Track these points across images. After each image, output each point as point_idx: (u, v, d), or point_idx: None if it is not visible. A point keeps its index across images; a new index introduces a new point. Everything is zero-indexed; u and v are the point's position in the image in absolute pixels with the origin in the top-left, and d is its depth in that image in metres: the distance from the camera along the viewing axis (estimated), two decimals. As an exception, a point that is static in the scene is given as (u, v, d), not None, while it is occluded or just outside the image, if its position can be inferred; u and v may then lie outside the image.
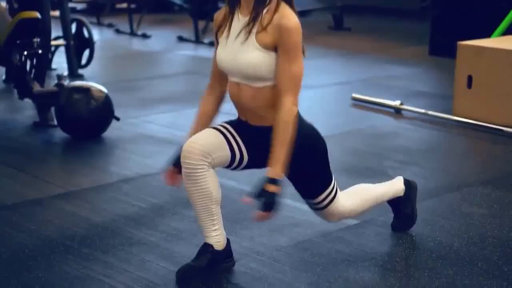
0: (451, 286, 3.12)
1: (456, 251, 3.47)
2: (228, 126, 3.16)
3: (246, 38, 2.98)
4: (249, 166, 3.19)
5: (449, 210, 3.99)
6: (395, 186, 3.60)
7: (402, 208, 3.63)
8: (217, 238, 3.16)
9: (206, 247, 3.16)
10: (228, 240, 3.23)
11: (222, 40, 3.09)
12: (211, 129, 3.12)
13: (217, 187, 3.09)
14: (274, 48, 2.96)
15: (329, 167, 3.25)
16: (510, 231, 3.69)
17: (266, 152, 3.00)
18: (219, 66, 3.12)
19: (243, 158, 3.12)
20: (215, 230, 3.15)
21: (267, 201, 2.93)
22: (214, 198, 3.08)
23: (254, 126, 3.13)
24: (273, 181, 2.93)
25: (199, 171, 3.01)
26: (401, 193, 3.61)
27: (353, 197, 3.42)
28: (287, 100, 2.96)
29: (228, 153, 3.07)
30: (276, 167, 2.94)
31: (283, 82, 2.96)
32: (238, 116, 3.22)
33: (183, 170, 3.05)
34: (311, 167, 3.19)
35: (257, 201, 2.94)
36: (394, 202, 3.62)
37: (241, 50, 2.99)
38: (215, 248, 3.15)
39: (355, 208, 3.41)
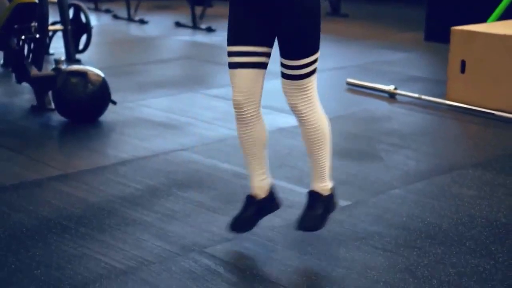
0: (439, 265, 3.20)
1: (445, 231, 3.54)
2: (239, 48, 3.15)
3: None
4: (272, 44, 3.22)
5: (440, 191, 4.06)
6: (327, 172, 3.41)
7: (317, 205, 3.39)
8: (263, 183, 3.37)
9: (252, 198, 3.38)
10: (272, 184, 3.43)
11: None
12: (240, 70, 3.17)
13: (266, 131, 3.30)
14: None
15: (319, 33, 3.17)
16: (499, 212, 3.77)
17: (268, 16, 3.10)
18: None
19: (269, 53, 3.20)
20: (261, 173, 3.36)
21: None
22: (264, 142, 3.30)
23: None
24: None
25: (250, 117, 3.21)
26: (327, 192, 3.39)
27: (324, 115, 3.35)
28: None
29: (263, 72, 3.20)
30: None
31: None
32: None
33: (236, 117, 3.25)
34: (304, 23, 3.10)
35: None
36: (313, 195, 3.41)
37: None
38: (258, 198, 3.37)
39: (319, 119, 3.27)
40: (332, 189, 3.43)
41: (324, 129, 3.30)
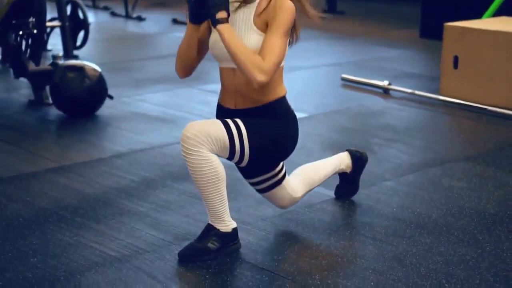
0: (427, 253, 3.26)
1: (434, 221, 3.61)
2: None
3: (245, 24, 3.09)
4: None
5: (430, 183, 4.12)
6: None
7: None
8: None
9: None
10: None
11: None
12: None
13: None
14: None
15: (279, 153, 3.26)
16: (488, 203, 3.83)
17: None
18: (212, 53, 3.19)
19: None
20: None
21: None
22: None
23: (240, 109, 3.20)
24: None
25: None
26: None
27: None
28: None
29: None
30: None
31: (262, 49, 3.02)
32: (219, 105, 3.29)
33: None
34: (270, 132, 3.17)
35: None
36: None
37: (239, 36, 3.07)
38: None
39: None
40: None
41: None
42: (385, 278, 3.03)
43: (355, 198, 3.87)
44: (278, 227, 3.53)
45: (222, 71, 3.22)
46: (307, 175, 3.59)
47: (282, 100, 3.22)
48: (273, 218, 3.62)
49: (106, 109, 5.49)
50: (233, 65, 3.11)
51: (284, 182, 3.45)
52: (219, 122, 3.10)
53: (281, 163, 3.41)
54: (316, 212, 3.69)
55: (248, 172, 3.39)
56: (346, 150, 3.83)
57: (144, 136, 4.93)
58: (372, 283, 3.00)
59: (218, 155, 3.11)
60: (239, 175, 4.14)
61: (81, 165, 4.37)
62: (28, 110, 5.56)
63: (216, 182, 3.08)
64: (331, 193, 3.90)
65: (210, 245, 3.16)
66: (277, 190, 3.44)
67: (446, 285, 2.99)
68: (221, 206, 3.14)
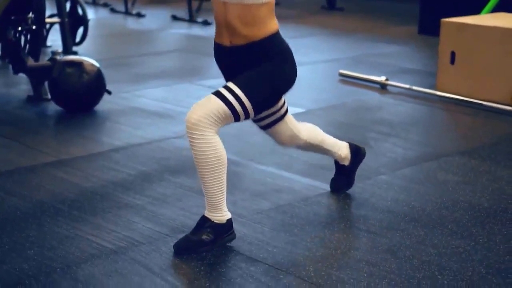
0: (421, 245, 3.29)
1: (428, 214, 3.64)
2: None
3: None
4: None
5: (425, 177, 4.15)
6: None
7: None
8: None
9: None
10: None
11: None
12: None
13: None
14: None
15: (280, 93, 3.29)
16: (482, 197, 3.86)
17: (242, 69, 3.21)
18: None
19: None
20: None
21: None
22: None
23: (235, 47, 3.21)
24: None
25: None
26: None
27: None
28: None
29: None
30: None
31: None
32: (216, 44, 3.31)
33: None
34: (264, 77, 3.20)
35: None
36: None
37: None
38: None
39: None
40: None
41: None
42: (378, 270, 3.06)
43: (350, 191, 3.89)
44: (273, 220, 3.56)
45: (214, 4, 3.23)
46: (311, 128, 3.66)
47: (276, 36, 3.22)
48: (269, 211, 3.65)
49: (105, 104, 5.52)
50: None
51: (287, 118, 3.48)
52: (213, 97, 3.15)
53: (283, 99, 3.42)
54: (312, 205, 3.72)
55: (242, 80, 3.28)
56: (347, 142, 3.86)
57: (142, 130, 4.96)
58: (365, 275, 3.03)
59: (228, 124, 3.21)
60: (235, 169, 4.18)
61: (79, 159, 4.40)
62: (27, 105, 5.59)
63: (218, 167, 3.15)
64: (327, 187, 3.93)
65: (204, 237, 3.19)
66: (279, 126, 3.47)
67: (439, 277, 3.01)
68: (220, 193, 3.20)
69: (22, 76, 6.04)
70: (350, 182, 3.88)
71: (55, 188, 3.94)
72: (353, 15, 10.34)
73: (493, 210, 3.69)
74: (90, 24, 7.70)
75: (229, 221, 3.24)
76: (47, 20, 7.10)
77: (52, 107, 5.49)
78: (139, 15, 10.16)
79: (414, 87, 6.01)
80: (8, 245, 3.26)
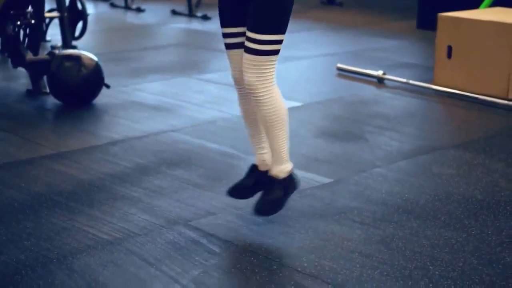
0: (413, 237, 3.33)
1: (422, 206, 3.67)
2: (227, 30, 3.36)
3: None
4: None
5: (420, 170, 4.19)
6: (285, 155, 3.43)
7: (275, 189, 3.43)
8: (262, 156, 3.49)
9: (253, 168, 3.53)
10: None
11: None
12: (230, 51, 3.38)
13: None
14: None
15: (285, 18, 3.24)
16: (475, 189, 3.89)
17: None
18: None
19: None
20: (261, 147, 3.49)
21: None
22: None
23: None
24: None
25: (246, 92, 3.35)
26: (285, 174, 3.42)
27: (281, 99, 3.36)
28: None
29: None
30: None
31: None
32: None
33: (236, 91, 3.45)
34: (269, 2, 3.20)
35: None
36: (271, 180, 3.45)
37: None
38: (258, 169, 3.50)
39: (274, 103, 3.29)
40: (291, 170, 3.43)
41: (280, 112, 3.30)
42: (371, 261, 3.10)
43: (344, 184, 3.93)
44: (268, 212, 3.59)
45: None
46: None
47: None
48: (264, 203, 3.68)
49: (103, 98, 5.55)
50: None
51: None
52: (249, 56, 3.23)
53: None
54: (306, 198, 3.76)
55: (259, 25, 3.24)
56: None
57: (139, 124, 5.00)
58: (358, 265, 3.06)
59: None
60: (231, 161, 4.22)
61: (76, 152, 4.44)
62: (26, 99, 5.62)
63: (286, 118, 3.33)
64: (321, 179, 3.97)
65: (279, 193, 3.41)
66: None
67: (431, 267, 3.05)
68: (286, 143, 3.39)
69: (21, 70, 6.07)
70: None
71: (53, 180, 3.97)
72: (352, 10, 10.37)
73: (486, 202, 3.73)
74: (90, 18, 7.72)
75: (292, 169, 3.46)
76: (47, 14, 7.13)
77: (51, 101, 5.52)
78: (139, 9, 10.19)
79: (411, 81, 6.04)
80: (5, 236, 3.30)
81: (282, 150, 3.38)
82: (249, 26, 3.24)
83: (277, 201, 3.41)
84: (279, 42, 3.27)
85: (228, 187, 3.59)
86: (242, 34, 3.32)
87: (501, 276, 2.99)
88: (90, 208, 3.61)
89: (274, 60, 3.28)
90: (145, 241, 3.26)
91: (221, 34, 3.43)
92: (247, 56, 3.25)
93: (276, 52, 3.27)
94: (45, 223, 3.44)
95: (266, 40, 3.22)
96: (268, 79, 3.26)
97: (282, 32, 3.26)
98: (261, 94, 3.25)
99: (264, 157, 3.50)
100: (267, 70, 3.25)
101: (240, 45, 3.33)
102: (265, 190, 3.43)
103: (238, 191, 3.54)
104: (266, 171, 3.49)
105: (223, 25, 3.39)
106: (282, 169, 3.41)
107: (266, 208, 3.39)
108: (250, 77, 3.24)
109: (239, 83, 3.40)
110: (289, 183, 3.43)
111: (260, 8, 3.21)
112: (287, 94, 3.42)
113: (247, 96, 3.38)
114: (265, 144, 3.49)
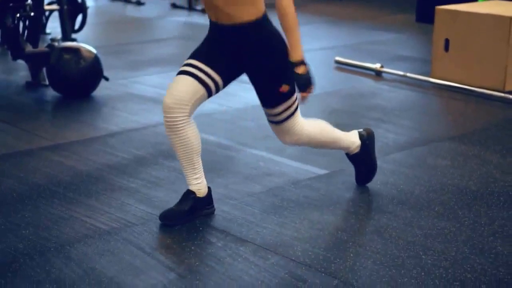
0: (407, 227, 3.36)
1: (416, 197, 3.71)
2: (194, 62, 3.31)
3: None
4: (227, 82, 3.38)
5: (415, 161, 4.22)
6: (351, 138, 3.74)
7: (360, 163, 3.79)
8: (198, 186, 3.40)
9: (189, 193, 3.40)
10: (209, 188, 3.46)
11: None
12: (182, 76, 3.29)
13: (197, 137, 3.33)
14: None
15: (291, 79, 3.34)
16: (470, 181, 3.93)
17: (237, 54, 3.29)
18: None
19: (218, 84, 3.32)
20: (196, 178, 3.40)
21: (302, 82, 3.31)
22: (195, 148, 3.32)
23: (224, 25, 3.30)
24: (299, 63, 3.32)
25: (179, 123, 3.26)
26: (357, 149, 3.75)
27: (314, 125, 3.57)
28: None
29: (203, 91, 3.27)
30: (296, 51, 3.32)
31: None
32: (213, 23, 3.39)
33: (164, 123, 3.29)
34: (273, 70, 3.33)
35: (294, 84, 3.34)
36: (353, 158, 3.78)
37: None
38: (197, 195, 3.40)
39: (313, 136, 3.55)
40: (358, 143, 3.75)
41: (321, 137, 3.59)
42: (364, 250, 3.14)
43: (340, 175, 3.97)
44: (264, 202, 3.63)
45: None
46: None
47: (267, 16, 3.31)
48: (260, 194, 3.73)
49: (102, 90, 5.59)
50: None
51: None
52: (277, 126, 3.49)
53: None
54: (302, 189, 3.79)
55: (270, 101, 3.40)
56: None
57: (137, 116, 5.04)
58: (351, 255, 3.10)
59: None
60: (228, 153, 4.26)
61: (75, 143, 4.48)
62: (25, 91, 5.66)
63: (326, 129, 3.65)
64: (317, 171, 4.00)
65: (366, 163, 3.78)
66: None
67: (423, 256, 3.09)
68: (340, 142, 3.71)
69: (20, 62, 6.11)
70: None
71: (51, 171, 4.01)
72: (351, 3, 10.39)
73: (480, 193, 3.76)
74: (89, 11, 7.75)
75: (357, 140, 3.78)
76: (46, 7, 7.18)
77: (50, 93, 5.56)
78: (139, 3, 10.22)
79: (409, 74, 6.07)
80: (4, 226, 3.34)
81: (341, 148, 3.74)
82: (261, 102, 3.43)
83: (370, 167, 3.79)
84: (294, 102, 3.42)
85: (224, 178, 3.61)
86: (211, 77, 3.29)
87: (492, 265, 3.03)
88: (88, 198, 3.65)
89: (297, 116, 3.47)
90: (141, 231, 3.30)
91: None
92: (276, 127, 3.49)
93: (294, 112, 3.44)
94: (43, 213, 3.48)
95: (282, 111, 3.40)
96: (297, 133, 3.50)
97: (292, 93, 3.38)
98: (298, 143, 3.58)
99: (199, 187, 3.41)
100: (294, 128, 3.48)
101: (199, 80, 3.27)
102: (354, 167, 3.82)
103: (171, 215, 3.38)
104: (202, 198, 3.42)
105: (197, 58, 3.32)
106: (353, 150, 3.76)
107: (369, 176, 3.82)
108: (282, 138, 3.54)
109: (170, 112, 3.24)
110: (363, 156, 3.77)
111: (266, 85, 3.35)
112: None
113: (177, 129, 3.27)
114: (200, 176, 3.41)
